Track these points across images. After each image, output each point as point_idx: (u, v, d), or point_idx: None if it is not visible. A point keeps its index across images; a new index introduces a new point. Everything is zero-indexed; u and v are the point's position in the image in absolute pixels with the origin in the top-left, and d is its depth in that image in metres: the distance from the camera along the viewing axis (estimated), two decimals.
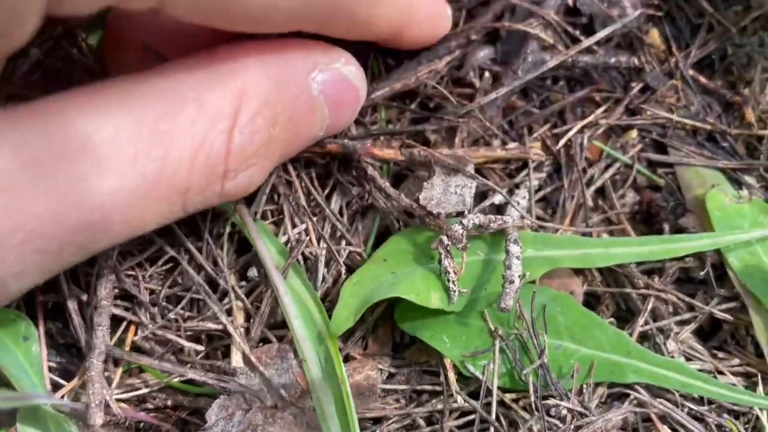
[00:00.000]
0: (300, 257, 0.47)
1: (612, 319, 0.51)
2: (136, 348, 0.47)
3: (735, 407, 0.49)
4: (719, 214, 0.51)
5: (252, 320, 0.46)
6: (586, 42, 0.51)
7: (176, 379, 0.46)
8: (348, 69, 0.42)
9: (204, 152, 0.34)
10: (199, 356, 0.47)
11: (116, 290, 0.46)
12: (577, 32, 0.55)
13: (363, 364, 0.47)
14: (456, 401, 0.46)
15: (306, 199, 0.49)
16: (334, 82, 0.41)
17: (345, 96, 0.42)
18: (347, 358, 0.48)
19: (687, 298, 0.51)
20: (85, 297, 0.45)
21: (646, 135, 0.56)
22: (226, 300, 0.47)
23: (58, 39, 0.47)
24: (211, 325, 0.46)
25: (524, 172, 0.53)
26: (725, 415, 0.48)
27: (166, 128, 0.33)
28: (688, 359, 0.51)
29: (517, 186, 0.53)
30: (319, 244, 0.48)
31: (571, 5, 0.55)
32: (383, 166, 0.51)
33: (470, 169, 0.48)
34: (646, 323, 0.51)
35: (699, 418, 0.48)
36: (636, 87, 0.55)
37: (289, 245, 0.47)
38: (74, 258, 0.34)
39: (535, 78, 0.54)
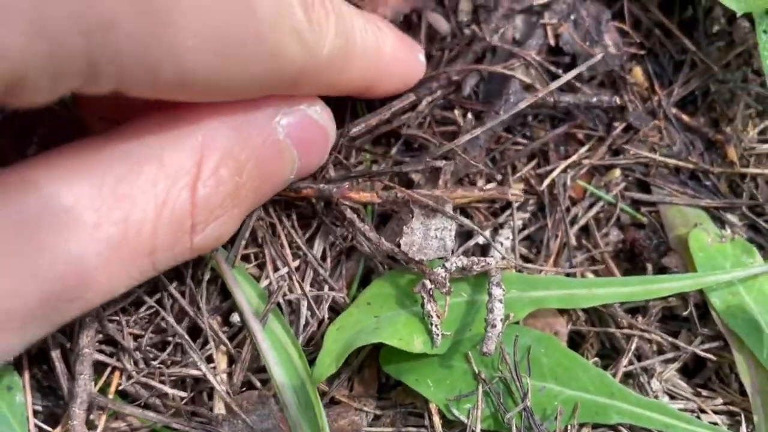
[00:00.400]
0: (282, 301, 0.48)
1: (596, 359, 0.52)
2: (120, 392, 0.47)
3: None
4: (702, 255, 0.52)
5: (234, 365, 0.47)
6: (565, 77, 0.51)
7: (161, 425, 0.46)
8: (313, 110, 0.41)
9: (167, 210, 0.34)
10: (184, 401, 0.47)
11: (100, 335, 0.47)
12: (560, 71, 0.56)
13: (347, 409, 0.47)
14: None
15: (288, 242, 0.49)
16: (300, 124, 0.40)
17: (313, 137, 0.42)
18: (332, 401, 0.48)
19: (670, 338, 0.51)
20: (68, 344, 0.45)
21: (630, 174, 0.56)
22: (210, 345, 0.47)
23: None
24: (194, 372, 0.46)
25: (509, 212, 0.54)
26: None
27: (126, 191, 0.33)
28: (672, 398, 0.51)
29: (501, 226, 0.53)
30: (302, 287, 0.48)
31: (553, 45, 0.55)
32: (366, 206, 0.51)
33: (449, 208, 0.48)
34: (631, 363, 0.51)
35: None
36: (619, 127, 0.56)
37: (269, 290, 0.47)
38: (40, 332, 0.33)
39: (518, 116, 0.54)
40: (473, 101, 0.54)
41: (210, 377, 0.45)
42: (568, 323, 0.52)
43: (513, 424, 0.46)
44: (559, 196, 0.54)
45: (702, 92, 0.59)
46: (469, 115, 0.54)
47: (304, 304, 0.48)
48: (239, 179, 0.37)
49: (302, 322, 0.47)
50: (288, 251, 0.49)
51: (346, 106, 0.51)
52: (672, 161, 0.55)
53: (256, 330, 0.45)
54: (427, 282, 0.45)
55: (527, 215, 0.54)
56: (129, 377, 0.46)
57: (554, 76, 0.56)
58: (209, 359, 0.47)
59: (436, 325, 0.45)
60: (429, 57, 0.53)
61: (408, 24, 0.56)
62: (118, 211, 0.32)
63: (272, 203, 0.49)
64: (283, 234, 0.49)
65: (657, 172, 0.56)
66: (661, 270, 0.54)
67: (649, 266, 0.53)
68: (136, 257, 0.34)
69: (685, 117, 0.57)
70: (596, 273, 0.54)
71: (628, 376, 0.51)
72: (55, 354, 0.45)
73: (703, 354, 0.51)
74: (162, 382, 0.46)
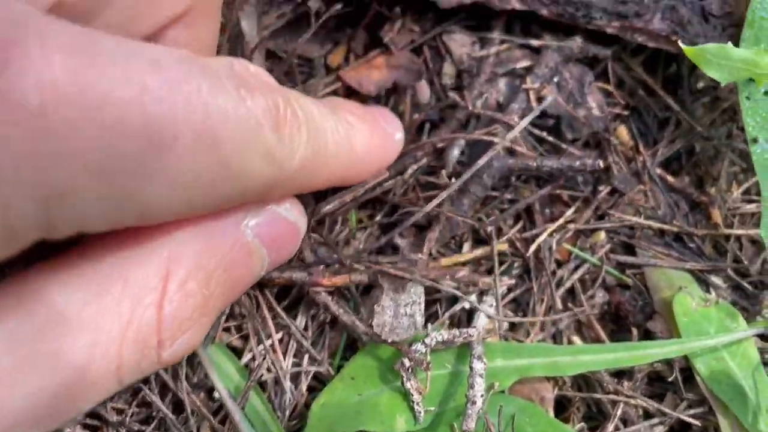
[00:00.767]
0: (266, 373, 0.48)
1: (583, 423, 0.52)
2: None
3: None
4: (686, 320, 0.52)
5: None
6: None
7: None
8: (283, 207, 0.41)
9: (133, 330, 0.33)
10: None
11: None
12: (544, 134, 0.56)
13: None
14: None
15: (270, 314, 0.49)
16: (268, 223, 0.40)
17: (282, 233, 0.41)
18: None
19: (655, 404, 0.51)
20: None
21: (615, 236, 0.56)
22: (194, 419, 0.47)
23: None
24: None
25: (493, 276, 0.54)
26: None
27: (91, 314, 0.32)
28: None
29: (485, 292, 0.53)
30: (284, 361, 0.48)
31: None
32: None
33: (417, 277, 0.48)
34: (617, 428, 0.51)
35: None
36: (604, 190, 0.56)
37: (249, 368, 0.47)
38: None
39: (503, 177, 0.54)
40: (458, 165, 0.54)
41: None
42: (555, 388, 0.52)
43: None
44: (544, 261, 0.54)
45: (686, 150, 0.59)
46: (453, 180, 0.54)
47: (288, 377, 0.48)
48: (207, 290, 0.36)
49: (286, 396, 0.47)
50: (270, 323, 0.49)
51: None
52: (656, 225, 0.56)
53: (233, 411, 0.45)
54: (406, 360, 0.45)
55: (513, 281, 0.54)
56: None
57: (538, 139, 0.56)
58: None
59: (417, 403, 0.45)
60: (413, 124, 0.54)
61: (394, 88, 0.56)
62: (84, 336, 0.32)
63: None
64: (265, 306, 0.49)
65: (642, 234, 0.56)
66: (647, 333, 0.53)
67: (635, 331, 0.53)
68: (102, 379, 0.33)
69: (669, 178, 0.57)
70: (582, 335, 0.54)
71: None
72: None
73: (688, 419, 0.51)
74: None
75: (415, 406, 0.45)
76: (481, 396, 0.45)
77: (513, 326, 0.54)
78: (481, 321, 0.51)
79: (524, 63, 0.57)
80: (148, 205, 0.31)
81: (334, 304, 0.47)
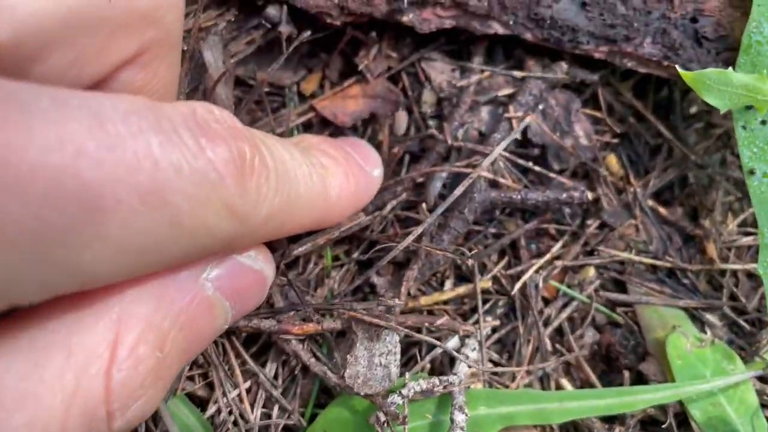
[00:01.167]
0: (231, 427, 0.45)
1: None
2: None
3: None
4: (680, 363, 0.49)
5: None
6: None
7: None
8: (247, 255, 0.37)
9: (78, 402, 0.30)
10: None
11: None
12: (530, 164, 0.53)
13: None
14: None
15: (237, 362, 0.46)
16: (231, 275, 0.36)
17: (247, 284, 0.38)
18: None
19: None
20: None
21: (604, 272, 0.53)
22: None
23: None
24: None
25: (477, 316, 0.51)
26: None
27: (29, 388, 0.29)
28: None
29: (468, 336, 0.50)
30: (251, 414, 0.45)
31: (520, 137, 0.53)
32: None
33: (393, 325, 0.44)
34: None
35: None
36: (593, 225, 0.53)
37: (214, 423, 0.44)
38: None
39: (486, 211, 0.51)
40: (439, 199, 0.51)
41: None
42: None
43: None
44: (531, 298, 0.51)
45: (679, 180, 0.57)
46: (433, 215, 0.51)
47: (256, 430, 0.45)
48: (162, 353, 0.33)
49: None
50: (238, 371, 0.46)
51: None
52: (648, 261, 0.53)
53: None
54: (381, 414, 0.42)
55: (497, 321, 0.51)
56: None
57: (523, 170, 0.53)
58: None
59: None
60: (392, 158, 0.51)
61: (371, 117, 0.53)
62: (21, 414, 0.29)
63: None
64: (233, 353, 0.46)
65: (633, 269, 0.53)
66: (639, 375, 0.51)
67: (626, 374, 0.50)
68: None
69: (662, 209, 0.55)
70: (571, 377, 0.51)
71: None
72: None
73: None
74: None
75: None
76: None
77: (498, 367, 0.51)
78: (462, 367, 0.48)
79: (507, 90, 0.54)
80: (89, 273, 0.28)
81: (306, 351, 0.44)
